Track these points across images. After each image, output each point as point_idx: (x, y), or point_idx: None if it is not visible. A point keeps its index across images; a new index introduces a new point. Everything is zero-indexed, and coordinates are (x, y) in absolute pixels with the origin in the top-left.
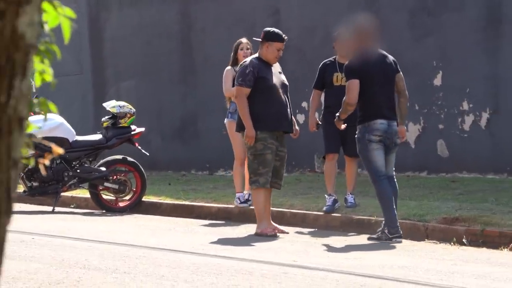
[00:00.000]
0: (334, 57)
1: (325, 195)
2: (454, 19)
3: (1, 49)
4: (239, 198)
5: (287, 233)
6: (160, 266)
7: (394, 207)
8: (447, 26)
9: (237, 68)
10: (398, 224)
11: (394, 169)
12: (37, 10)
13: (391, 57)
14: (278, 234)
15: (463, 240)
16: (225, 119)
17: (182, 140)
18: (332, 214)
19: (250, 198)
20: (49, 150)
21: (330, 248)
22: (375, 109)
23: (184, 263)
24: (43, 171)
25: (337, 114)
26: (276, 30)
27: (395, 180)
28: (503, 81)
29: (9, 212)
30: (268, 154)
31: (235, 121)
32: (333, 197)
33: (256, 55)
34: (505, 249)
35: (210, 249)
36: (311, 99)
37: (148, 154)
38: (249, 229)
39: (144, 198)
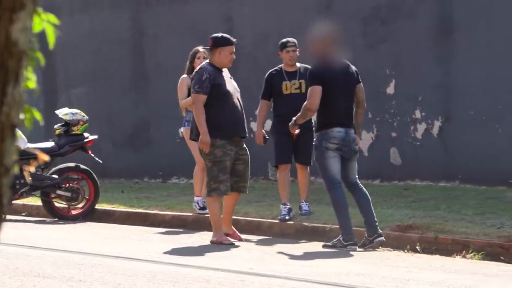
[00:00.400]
0: (280, 66)
1: (280, 205)
2: (406, 27)
3: None
4: (197, 203)
5: (242, 240)
6: (116, 274)
7: (349, 214)
8: (400, 34)
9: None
10: (352, 231)
11: (357, 176)
12: (29, 16)
13: (353, 67)
14: (234, 242)
15: (417, 247)
16: (182, 127)
17: (134, 148)
18: (287, 222)
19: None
20: (33, 157)
21: (286, 256)
22: (333, 117)
23: (141, 271)
24: (27, 179)
25: (294, 118)
26: (224, 34)
27: (362, 186)
28: (455, 89)
29: (0, 219)
30: (228, 161)
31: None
32: (288, 206)
33: (207, 62)
34: (458, 256)
35: (166, 257)
36: (258, 110)
37: (101, 162)
38: (204, 237)
39: (97, 206)
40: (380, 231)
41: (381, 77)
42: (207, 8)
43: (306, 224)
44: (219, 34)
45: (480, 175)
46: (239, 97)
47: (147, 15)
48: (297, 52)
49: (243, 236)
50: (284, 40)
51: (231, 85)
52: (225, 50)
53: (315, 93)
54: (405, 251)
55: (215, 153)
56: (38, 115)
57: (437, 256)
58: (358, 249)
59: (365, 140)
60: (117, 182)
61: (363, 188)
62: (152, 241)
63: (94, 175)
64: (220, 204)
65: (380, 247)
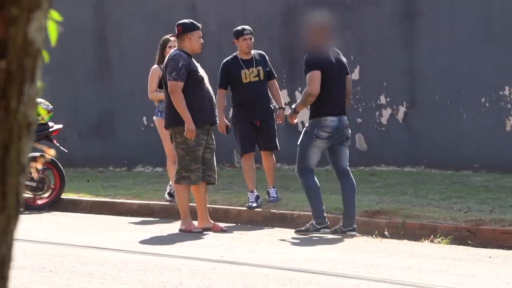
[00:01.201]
0: (234, 54)
1: (248, 192)
2: (370, 13)
3: (13, 56)
4: (171, 190)
5: (225, 230)
6: (86, 264)
7: (321, 199)
8: (364, 20)
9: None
10: (324, 215)
11: (348, 164)
12: (45, 15)
13: (344, 58)
14: (202, 230)
15: (385, 232)
16: (154, 116)
17: (99, 137)
18: (255, 209)
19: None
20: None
21: (256, 243)
22: (328, 106)
23: (111, 261)
24: (34, 175)
25: (293, 106)
26: (189, 20)
27: (351, 175)
28: (419, 74)
29: (17, 217)
30: (200, 151)
31: (162, 119)
32: (255, 194)
33: (177, 49)
34: (426, 241)
35: (136, 246)
36: (217, 98)
37: (66, 151)
38: (172, 225)
39: (63, 196)
40: (355, 225)
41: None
42: None
43: (274, 211)
44: (186, 20)
45: (445, 159)
46: (208, 84)
47: (110, 3)
48: (252, 40)
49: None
50: (239, 28)
51: (202, 71)
52: (195, 35)
53: (316, 77)
54: (374, 236)
55: (188, 142)
56: (42, 111)
57: (406, 241)
58: (330, 233)
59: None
60: (82, 171)
61: (352, 177)
62: (120, 230)
63: (60, 165)
64: (189, 192)
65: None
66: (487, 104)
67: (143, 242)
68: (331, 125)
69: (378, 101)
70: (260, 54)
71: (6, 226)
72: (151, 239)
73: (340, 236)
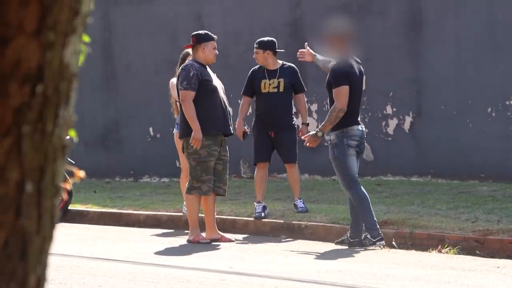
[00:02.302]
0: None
1: (255, 203)
2: (376, 23)
3: (49, 80)
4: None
5: (233, 241)
6: (96, 276)
7: (373, 211)
8: (370, 30)
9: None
10: (378, 227)
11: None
12: (79, 39)
13: (361, 65)
14: (210, 241)
15: (393, 243)
16: (174, 129)
17: (105, 147)
18: (262, 220)
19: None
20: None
21: (264, 254)
22: (353, 115)
23: (121, 272)
24: (64, 196)
25: (319, 129)
26: (204, 31)
27: (360, 185)
28: (425, 84)
29: (52, 239)
30: (211, 161)
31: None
32: (262, 204)
33: (191, 59)
34: (434, 251)
35: (145, 257)
36: (240, 106)
37: (74, 163)
38: (180, 236)
39: (71, 207)
40: (362, 236)
41: None
42: (177, 7)
43: (281, 221)
44: (200, 31)
45: (451, 169)
46: (224, 94)
47: (116, 14)
48: (260, 54)
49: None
50: (264, 39)
51: (217, 81)
52: (208, 45)
53: (345, 93)
54: (381, 247)
55: (200, 153)
56: (73, 134)
57: (413, 251)
58: (387, 247)
59: None
60: (89, 182)
61: (362, 187)
62: (128, 241)
63: (67, 176)
64: (199, 203)
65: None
66: (494, 114)
67: (151, 253)
68: (358, 134)
69: (385, 111)
70: (289, 67)
71: (41, 247)
72: (160, 250)
73: (347, 247)
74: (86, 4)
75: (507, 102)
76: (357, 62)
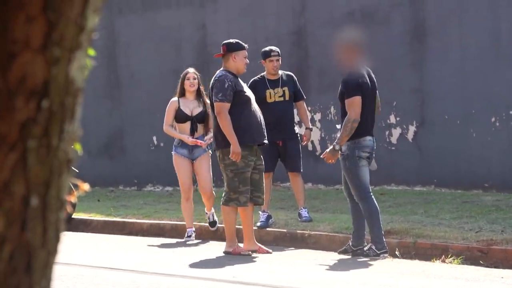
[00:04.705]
0: (262, 74)
1: (259, 212)
2: (380, 33)
3: (55, 95)
4: (187, 233)
5: (271, 252)
6: (99, 285)
7: (381, 223)
8: (374, 39)
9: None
10: (384, 240)
11: None
12: (85, 55)
13: (373, 75)
14: (250, 252)
15: (396, 252)
16: (173, 151)
17: (109, 156)
18: (266, 229)
19: (214, 218)
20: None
21: (269, 263)
22: (365, 126)
23: (124, 281)
24: (69, 209)
25: (336, 143)
26: (235, 40)
27: None
28: (429, 93)
29: (57, 252)
30: (248, 172)
31: (177, 154)
32: (267, 213)
33: (223, 69)
34: (437, 261)
35: (148, 267)
36: None
37: (77, 171)
38: (183, 244)
39: (74, 215)
40: (365, 244)
41: None
42: (181, 16)
43: (284, 230)
44: (231, 40)
45: (455, 179)
46: (255, 103)
47: (120, 24)
48: (280, 61)
49: (221, 244)
50: (267, 49)
51: (249, 91)
52: (239, 54)
53: (358, 103)
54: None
55: (237, 164)
56: (78, 147)
57: (417, 261)
58: (390, 258)
59: None
60: (92, 190)
61: (374, 199)
62: (132, 250)
63: (71, 184)
64: (236, 214)
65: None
66: (497, 124)
67: (155, 262)
68: (369, 145)
69: (388, 121)
70: (288, 75)
71: (46, 261)
72: (163, 259)
73: (351, 257)
74: (92, 19)
75: (511, 112)
76: (368, 71)
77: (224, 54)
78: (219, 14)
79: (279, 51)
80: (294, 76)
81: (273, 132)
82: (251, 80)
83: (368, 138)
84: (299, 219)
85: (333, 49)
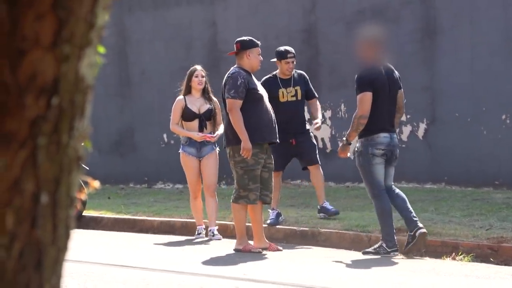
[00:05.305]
0: (274, 73)
1: (269, 210)
2: (391, 30)
3: (65, 92)
4: (197, 231)
5: (281, 250)
6: (109, 282)
7: (393, 221)
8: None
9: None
10: (395, 238)
11: (393, 183)
12: (94, 52)
13: (397, 73)
14: (260, 250)
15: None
16: (180, 149)
17: (119, 153)
18: (276, 226)
19: (216, 233)
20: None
21: (279, 261)
22: (378, 123)
23: (134, 279)
24: (79, 206)
25: (345, 138)
26: (248, 37)
27: (396, 189)
28: (439, 91)
29: (67, 249)
30: (258, 170)
31: (185, 153)
32: (276, 211)
33: (236, 66)
34: (448, 259)
35: (158, 264)
36: None
37: (88, 169)
38: (194, 242)
39: (85, 213)
40: (420, 224)
41: None
42: (191, 14)
43: (295, 228)
44: (245, 37)
45: (465, 176)
46: (268, 102)
47: (130, 21)
48: (294, 63)
49: (232, 242)
50: (282, 49)
51: (262, 89)
52: (254, 52)
53: (367, 99)
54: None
55: (247, 161)
56: (88, 144)
57: (427, 258)
58: (400, 255)
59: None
60: (103, 188)
61: (398, 191)
62: (142, 247)
63: (81, 182)
64: (246, 212)
65: (423, 242)
66: (508, 121)
67: (165, 259)
68: (384, 142)
69: None
70: (300, 74)
71: (56, 258)
72: (173, 257)
73: (360, 253)
74: (102, 17)
75: None
76: (389, 68)
77: (237, 52)
78: (229, 11)
79: (294, 52)
80: (306, 75)
81: (285, 131)
82: (263, 79)
83: (383, 135)
84: (322, 215)
85: (352, 46)
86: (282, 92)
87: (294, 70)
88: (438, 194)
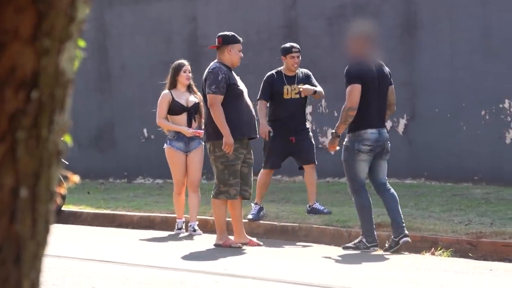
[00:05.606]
0: (279, 69)
1: (252, 203)
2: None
3: (44, 86)
4: (177, 225)
5: (261, 245)
6: (89, 277)
7: (372, 217)
8: None
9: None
10: (375, 233)
11: (386, 177)
12: (75, 46)
13: (387, 68)
14: (240, 245)
15: (386, 245)
16: (165, 144)
17: (99, 148)
18: (256, 222)
19: (196, 228)
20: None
21: (259, 256)
22: (366, 119)
23: (114, 274)
24: (59, 201)
25: (333, 131)
26: (231, 32)
27: (390, 187)
28: (419, 87)
29: (46, 244)
30: (238, 165)
31: (172, 148)
32: (259, 206)
33: (217, 61)
34: (427, 254)
35: (138, 259)
36: (258, 108)
37: (67, 163)
38: (174, 237)
39: (64, 208)
40: (406, 232)
41: None
42: (171, 8)
43: (275, 223)
44: (227, 32)
45: (445, 172)
46: (248, 97)
47: (110, 15)
48: (300, 58)
49: (211, 236)
50: (287, 45)
51: (242, 84)
52: (235, 47)
53: (355, 91)
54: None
55: (228, 156)
56: (68, 139)
57: (407, 253)
58: (380, 251)
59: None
60: (82, 183)
61: (391, 188)
62: (122, 242)
63: (62, 180)
64: (226, 207)
65: (404, 249)
66: (487, 117)
67: (145, 254)
68: (371, 138)
69: None
70: (305, 73)
71: (36, 252)
72: (153, 252)
73: (340, 248)
74: (82, 10)
75: (501, 105)
76: (379, 64)
77: (219, 46)
78: (210, 6)
79: (300, 48)
80: (310, 73)
81: (285, 127)
82: (267, 74)
83: (370, 131)
84: (310, 214)
85: (333, 41)
86: (287, 89)
87: (298, 68)
88: (417, 190)
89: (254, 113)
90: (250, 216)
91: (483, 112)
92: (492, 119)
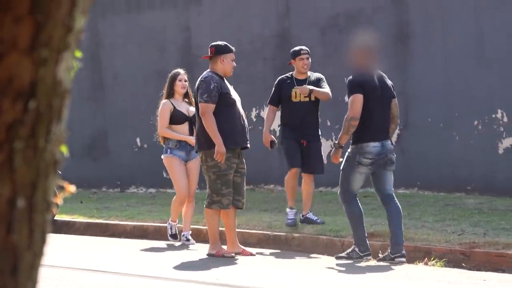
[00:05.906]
0: (290, 73)
1: (287, 209)
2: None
3: (42, 96)
4: (171, 228)
5: (254, 255)
6: (82, 287)
7: (364, 226)
8: None
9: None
10: (367, 242)
11: (392, 188)
12: (72, 55)
13: (389, 81)
14: (236, 256)
15: (379, 255)
16: (162, 155)
17: (92, 157)
18: (249, 231)
19: (189, 238)
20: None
21: (252, 266)
22: (369, 131)
23: (107, 284)
24: (54, 211)
25: (336, 142)
26: (223, 42)
27: (395, 199)
28: (412, 96)
29: (43, 254)
30: (230, 174)
31: (174, 156)
32: (295, 210)
33: (209, 71)
34: (420, 263)
35: (131, 269)
36: (266, 114)
37: (60, 173)
38: (167, 246)
39: (57, 217)
40: (404, 251)
41: (339, 85)
42: (164, 18)
43: (268, 233)
44: (220, 42)
45: (438, 182)
46: (241, 107)
47: (103, 25)
48: (309, 60)
49: (204, 246)
50: (296, 48)
51: (235, 94)
52: (227, 57)
53: (357, 101)
54: (368, 260)
55: (220, 166)
56: (64, 149)
57: (400, 263)
58: (373, 260)
59: (324, 148)
60: (75, 192)
61: (397, 201)
62: (115, 252)
63: (57, 190)
64: (219, 217)
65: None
66: (480, 127)
67: (138, 264)
68: (373, 151)
69: None
70: (317, 77)
71: (32, 263)
72: (147, 261)
73: (334, 258)
74: (79, 20)
75: (494, 115)
76: (381, 76)
77: (212, 56)
78: (203, 16)
79: (309, 50)
80: (323, 76)
81: (295, 131)
82: (278, 78)
83: (373, 144)
84: (303, 223)
85: (326, 51)
86: (295, 92)
87: (311, 72)
88: (410, 199)
89: (246, 122)
90: (288, 222)
91: (476, 122)
92: (485, 129)
